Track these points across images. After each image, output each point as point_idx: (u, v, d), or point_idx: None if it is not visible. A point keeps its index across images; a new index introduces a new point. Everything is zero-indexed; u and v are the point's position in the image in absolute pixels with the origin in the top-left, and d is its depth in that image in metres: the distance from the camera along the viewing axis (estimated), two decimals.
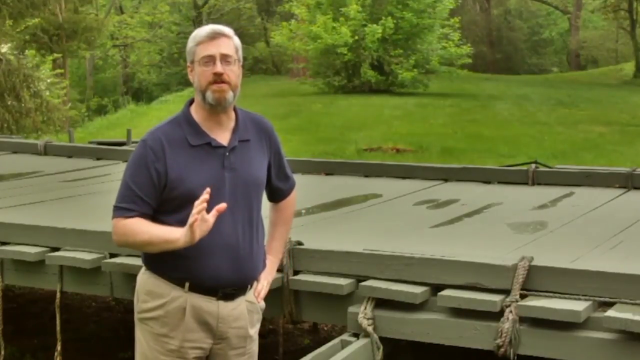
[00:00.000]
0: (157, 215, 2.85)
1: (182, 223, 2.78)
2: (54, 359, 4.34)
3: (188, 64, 2.93)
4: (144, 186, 2.82)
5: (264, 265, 3.11)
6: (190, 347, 2.91)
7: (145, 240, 2.82)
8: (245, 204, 2.93)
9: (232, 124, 2.95)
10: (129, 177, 2.85)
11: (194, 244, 2.80)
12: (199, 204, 2.67)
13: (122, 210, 2.83)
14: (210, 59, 2.83)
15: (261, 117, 3.09)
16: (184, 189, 2.81)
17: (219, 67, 2.83)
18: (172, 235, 2.76)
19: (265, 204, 3.16)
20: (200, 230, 2.70)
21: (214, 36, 2.86)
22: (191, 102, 2.97)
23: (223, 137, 2.91)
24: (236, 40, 2.92)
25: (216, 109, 2.87)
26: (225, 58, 2.84)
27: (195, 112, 2.92)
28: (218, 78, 2.83)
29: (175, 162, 2.82)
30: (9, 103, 15.54)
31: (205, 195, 2.68)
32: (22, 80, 15.73)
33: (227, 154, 2.89)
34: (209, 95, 2.84)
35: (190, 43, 2.89)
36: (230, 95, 2.86)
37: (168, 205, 2.84)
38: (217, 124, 2.91)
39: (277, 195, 3.20)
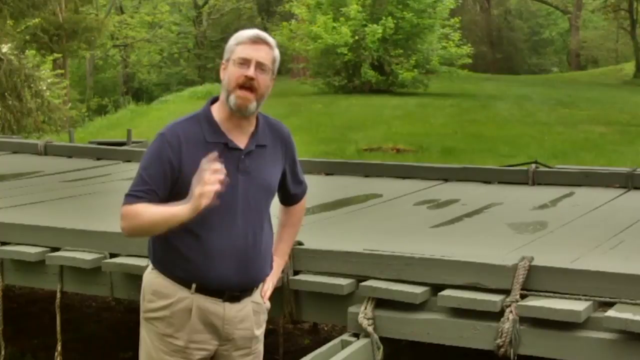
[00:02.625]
0: None
1: (191, 222, 2.78)
2: (54, 359, 4.34)
3: (223, 61, 2.91)
4: (156, 178, 2.81)
5: (271, 268, 3.11)
6: (195, 347, 2.91)
7: (149, 220, 2.77)
8: (257, 208, 2.93)
9: (251, 128, 2.94)
10: (143, 168, 2.86)
11: (202, 247, 2.82)
12: (213, 171, 2.62)
13: (130, 197, 2.82)
14: (245, 62, 2.82)
15: (280, 123, 3.09)
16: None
17: (251, 71, 2.81)
18: (175, 208, 2.72)
19: (275, 205, 3.16)
20: (207, 200, 2.66)
21: (257, 41, 2.85)
22: (212, 101, 2.96)
23: (241, 140, 2.90)
24: (276, 52, 2.91)
25: (236, 114, 2.87)
26: (260, 65, 2.83)
27: (217, 111, 2.91)
28: (248, 82, 2.82)
29: (189, 158, 2.80)
30: (10, 103, 15.55)
31: (217, 166, 2.63)
32: (23, 80, 15.74)
33: (243, 157, 2.89)
34: (232, 99, 2.83)
35: (232, 41, 2.88)
36: (253, 105, 2.85)
37: (179, 201, 2.82)
38: (237, 127, 2.90)
39: (289, 199, 3.20)
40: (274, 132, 3.03)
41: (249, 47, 2.84)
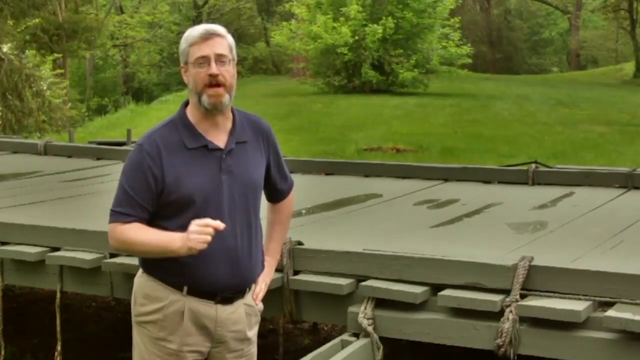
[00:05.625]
0: (154, 220, 2.83)
1: (180, 228, 2.77)
2: (54, 359, 4.34)
3: (182, 65, 2.89)
4: (141, 191, 2.79)
5: (263, 268, 3.09)
6: (188, 350, 2.89)
7: (143, 250, 2.83)
8: (244, 206, 2.90)
9: (229, 124, 2.92)
10: (126, 182, 2.83)
11: None
12: (207, 229, 2.70)
13: (119, 214, 2.81)
14: (204, 60, 2.80)
15: (258, 117, 3.06)
16: (180, 193, 2.79)
17: (214, 68, 2.79)
18: (172, 244, 2.73)
19: (263, 205, 3.16)
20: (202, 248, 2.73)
21: (208, 36, 2.81)
22: (187, 103, 2.94)
23: (220, 139, 2.88)
24: (229, 39, 2.88)
25: (212, 112, 2.85)
26: (219, 58, 2.81)
27: (191, 114, 2.89)
28: (213, 79, 2.79)
29: (172, 166, 2.79)
30: (11, 102, 15.56)
31: (221, 225, 2.71)
32: (24, 79, 15.75)
33: (224, 156, 2.86)
34: (205, 99, 2.81)
35: (183, 44, 2.86)
36: (226, 98, 2.83)
37: (165, 210, 2.82)
38: (214, 126, 2.88)
39: (276, 195, 3.18)
40: (254, 127, 3.00)
41: (203, 45, 2.81)
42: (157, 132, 2.88)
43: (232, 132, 2.91)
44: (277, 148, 3.09)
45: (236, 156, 2.89)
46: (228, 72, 2.83)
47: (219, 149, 2.87)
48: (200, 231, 2.68)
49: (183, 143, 2.84)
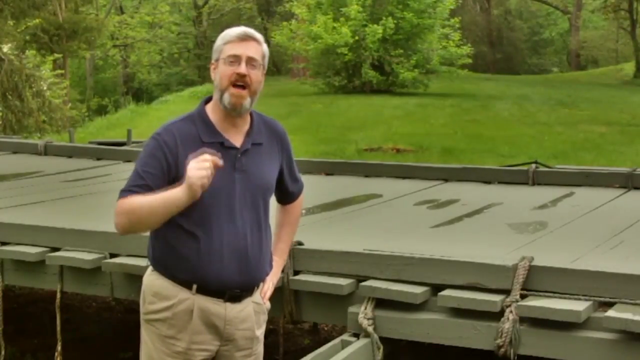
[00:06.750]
0: None
1: (191, 223, 2.79)
2: (54, 359, 4.34)
3: (212, 61, 2.90)
4: (154, 177, 2.79)
5: (271, 267, 3.10)
6: (197, 349, 2.90)
7: (149, 210, 2.73)
8: (254, 206, 2.92)
9: (246, 126, 2.93)
10: (140, 167, 2.83)
11: (202, 247, 2.81)
12: (204, 163, 2.63)
13: (126, 192, 2.79)
14: (236, 59, 2.82)
15: (274, 120, 3.08)
16: None
17: (243, 68, 2.81)
18: (175, 193, 2.69)
19: (273, 205, 3.16)
20: (203, 187, 2.66)
21: (244, 38, 2.85)
22: (207, 100, 2.95)
23: (236, 138, 2.89)
24: (265, 47, 2.91)
25: (231, 113, 2.86)
26: (251, 61, 2.83)
27: (211, 112, 2.91)
28: (240, 79, 2.81)
29: (186, 158, 2.76)
30: (12, 103, 15.56)
31: (218, 161, 2.66)
32: (24, 80, 15.76)
33: (239, 155, 2.88)
34: (227, 97, 2.82)
35: (219, 41, 2.88)
36: (247, 102, 2.84)
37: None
38: (232, 126, 2.89)
39: (287, 197, 3.20)
40: (269, 129, 3.02)
41: (238, 45, 2.83)
42: (174, 124, 2.89)
43: (248, 133, 2.92)
44: (290, 152, 3.11)
45: (251, 157, 2.91)
46: (256, 76, 2.85)
47: (235, 148, 2.88)
48: (199, 167, 2.63)
49: (199, 137, 2.84)
